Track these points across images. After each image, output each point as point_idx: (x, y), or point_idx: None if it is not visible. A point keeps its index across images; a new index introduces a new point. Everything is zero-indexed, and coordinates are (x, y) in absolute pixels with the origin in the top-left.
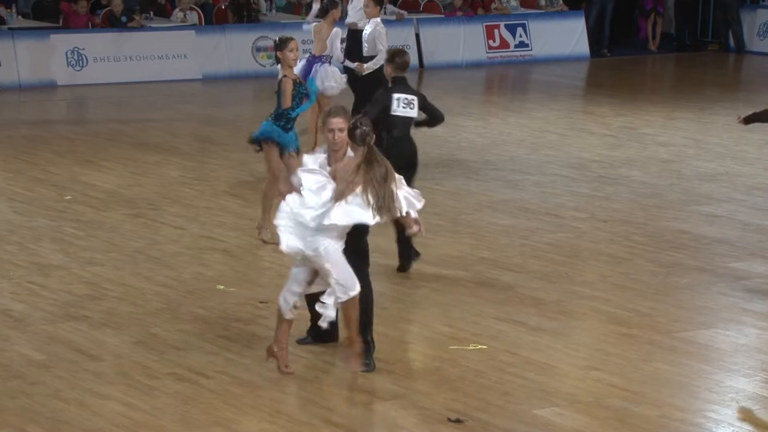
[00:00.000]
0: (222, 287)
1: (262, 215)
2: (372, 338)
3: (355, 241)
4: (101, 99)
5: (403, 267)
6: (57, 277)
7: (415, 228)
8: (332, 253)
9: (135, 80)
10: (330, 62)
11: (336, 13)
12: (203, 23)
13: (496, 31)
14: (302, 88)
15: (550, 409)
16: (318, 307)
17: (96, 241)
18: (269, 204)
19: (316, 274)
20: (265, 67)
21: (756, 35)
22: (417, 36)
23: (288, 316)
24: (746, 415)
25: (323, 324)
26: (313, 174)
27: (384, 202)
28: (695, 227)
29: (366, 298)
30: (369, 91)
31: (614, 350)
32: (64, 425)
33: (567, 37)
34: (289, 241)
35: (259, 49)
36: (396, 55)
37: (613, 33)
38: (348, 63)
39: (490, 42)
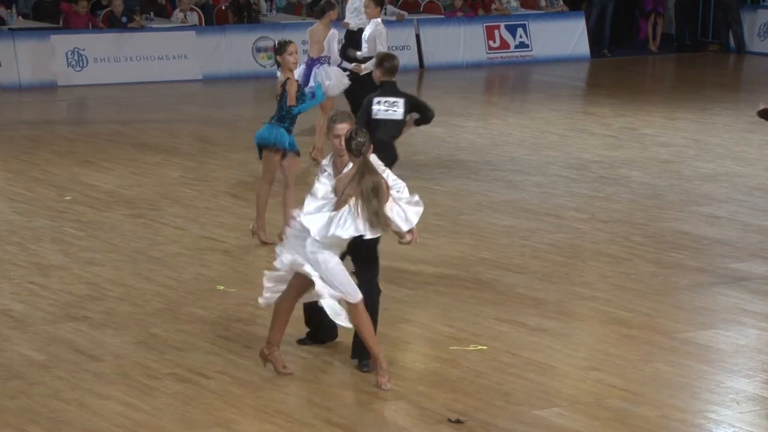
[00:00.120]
0: (222, 288)
1: (256, 217)
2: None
3: (365, 250)
4: (101, 99)
5: None
6: (57, 277)
7: (407, 238)
8: (331, 264)
9: (135, 81)
10: (329, 63)
11: (333, 14)
12: (203, 24)
13: (496, 31)
14: (303, 92)
15: (551, 409)
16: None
17: (96, 241)
18: (263, 206)
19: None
20: (265, 67)
21: (756, 36)
22: (417, 36)
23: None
24: (747, 416)
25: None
26: (315, 201)
27: (373, 216)
28: (695, 228)
29: (373, 306)
30: (369, 91)
31: (614, 351)
32: (65, 425)
33: (567, 37)
34: (283, 257)
35: (259, 50)
36: (385, 60)
37: (613, 33)
38: (346, 64)
39: (491, 42)
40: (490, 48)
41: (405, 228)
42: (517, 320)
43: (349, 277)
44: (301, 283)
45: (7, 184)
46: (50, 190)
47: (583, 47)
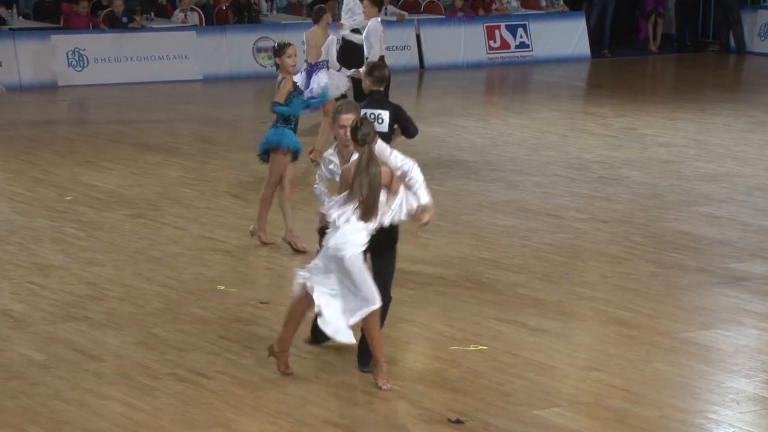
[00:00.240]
0: (222, 288)
1: (257, 218)
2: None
3: (385, 253)
4: (102, 99)
5: None
6: (57, 277)
7: (425, 217)
8: (356, 263)
9: (136, 81)
10: (328, 68)
11: (328, 17)
12: (204, 24)
13: (496, 31)
14: (300, 96)
15: (551, 409)
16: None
17: (96, 241)
18: (266, 209)
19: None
20: (265, 67)
21: (757, 36)
22: (418, 37)
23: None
24: (747, 416)
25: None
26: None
27: (367, 204)
28: (696, 228)
29: (383, 313)
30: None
31: (615, 351)
32: (65, 425)
33: (568, 37)
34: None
35: (259, 50)
36: (374, 69)
37: (613, 34)
38: (345, 70)
39: (491, 43)
40: (491, 48)
41: (424, 199)
42: (517, 320)
43: (372, 281)
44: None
45: (8, 184)
46: (51, 190)
47: (583, 47)
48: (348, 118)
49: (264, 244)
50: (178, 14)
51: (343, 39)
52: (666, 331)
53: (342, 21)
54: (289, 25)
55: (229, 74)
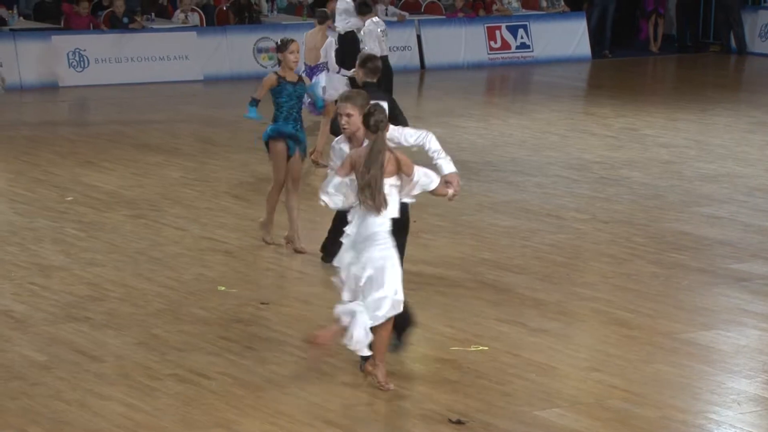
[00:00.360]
0: (223, 288)
1: (266, 217)
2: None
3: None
4: (103, 100)
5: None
6: (58, 278)
7: (450, 191)
8: (394, 261)
9: (136, 81)
10: (327, 70)
11: (330, 22)
12: (204, 24)
13: (497, 32)
14: (299, 89)
15: (552, 410)
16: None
17: (97, 242)
18: (273, 210)
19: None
20: (266, 68)
21: (757, 36)
22: (418, 37)
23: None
24: (748, 417)
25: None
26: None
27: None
28: (696, 228)
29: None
30: None
31: (615, 351)
32: (66, 426)
33: (568, 38)
34: (342, 258)
35: (260, 51)
36: (367, 60)
37: (614, 34)
38: (344, 72)
39: (492, 43)
40: (491, 49)
41: (444, 171)
42: (518, 321)
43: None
44: None
45: (8, 184)
46: (51, 190)
47: (584, 48)
48: (343, 107)
49: (266, 243)
50: (178, 15)
51: (339, 36)
52: (667, 332)
53: (336, 23)
54: (290, 26)
55: (230, 75)
